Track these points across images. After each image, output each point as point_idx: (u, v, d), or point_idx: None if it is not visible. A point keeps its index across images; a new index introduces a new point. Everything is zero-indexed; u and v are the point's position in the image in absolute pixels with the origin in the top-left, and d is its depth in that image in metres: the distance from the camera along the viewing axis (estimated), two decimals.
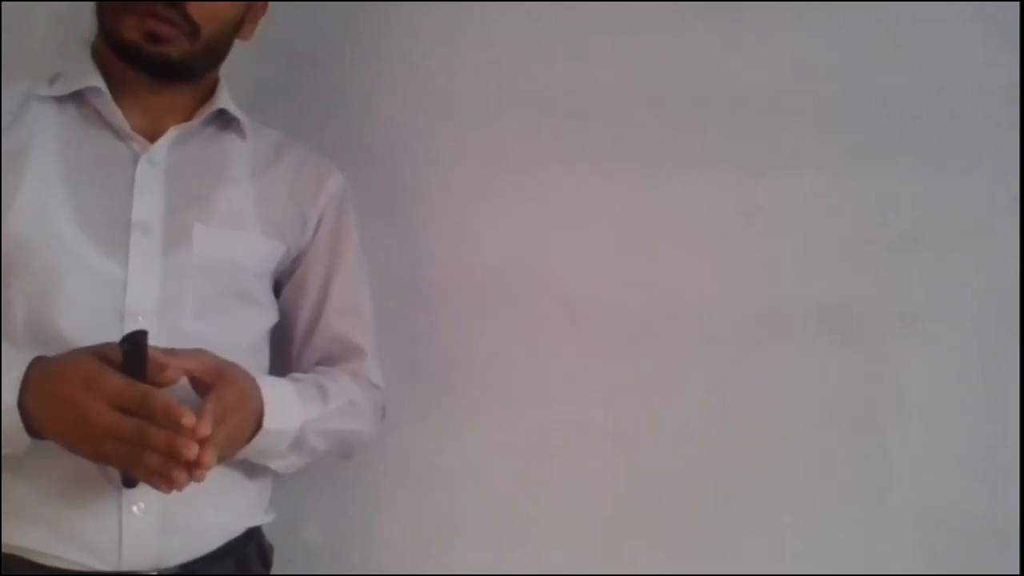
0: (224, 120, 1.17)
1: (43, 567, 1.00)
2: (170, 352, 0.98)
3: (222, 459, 0.99)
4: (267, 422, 1.05)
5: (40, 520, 1.00)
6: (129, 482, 0.97)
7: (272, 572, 1.18)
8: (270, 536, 1.18)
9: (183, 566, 1.05)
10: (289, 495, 1.17)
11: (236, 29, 1.15)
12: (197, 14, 1.07)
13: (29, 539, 1.00)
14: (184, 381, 0.98)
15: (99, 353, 0.95)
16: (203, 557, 1.07)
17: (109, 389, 0.92)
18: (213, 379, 0.99)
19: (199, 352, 1.01)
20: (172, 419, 0.91)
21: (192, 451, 0.91)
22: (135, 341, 0.94)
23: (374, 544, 1.37)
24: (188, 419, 0.91)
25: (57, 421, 0.94)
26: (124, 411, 0.92)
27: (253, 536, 1.14)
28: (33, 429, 0.96)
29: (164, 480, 0.93)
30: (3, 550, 1.01)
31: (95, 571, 1.00)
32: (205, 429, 0.92)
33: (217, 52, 1.14)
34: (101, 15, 1.11)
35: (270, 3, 1.20)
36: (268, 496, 1.16)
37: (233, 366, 1.02)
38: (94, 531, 1.00)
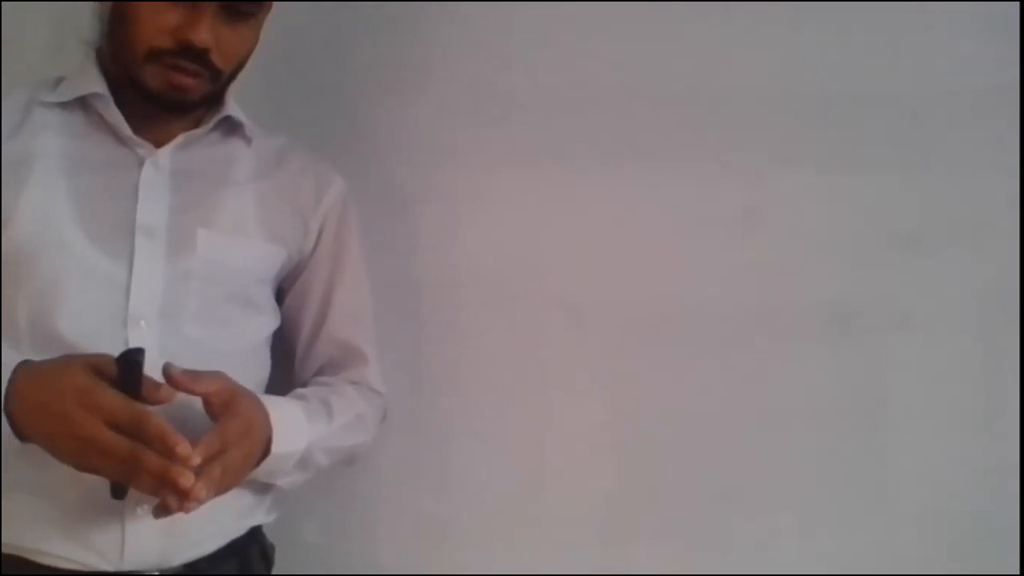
0: (229, 125, 1.17)
1: (45, 567, 0.99)
2: (191, 374, 0.97)
3: (225, 490, 0.99)
4: (275, 447, 1.05)
5: (42, 519, 0.99)
6: (118, 492, 0.95)
7: (273, 572, 1.18)
8: (271, 536, 1.18)
9: (186, 566, 1.05)
10: (290, 495, 1.17)
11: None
12: (220, 61, 1.07)
13: (31, 539, 1.00)
14: (187, 400, 0.97)
15: (93, 365, 0.92)
16: (206, 557, 1.07)
17: (104, 405, 0.90)
18: (222, 406, 0.99)
19: (217, 376, 1.00)
20: (166, 446, 0.90)
21: (187, 480, 0.90)
22: (132, 359, 0.92)
23: (374, 543, 1.37)
24: (183, 448, 0.90)
25: (44, 430, 0.92)
26: (117, 429, 0.90)
27: (255, 536, 1.15)
28: (21, 433, 0.94)
29: (159, 496, 0.92)
30: (4, 550, 1.00)
31: (98, 571, 1.00)
32: (196, 459, 0.91)
33: (234, 78, 1.13)
34: (116, 48, 1.08)
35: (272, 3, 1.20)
36: (270, 496, 1.15)
37: (243, 395, 1.01)
38: (97, 530, 1.00)
